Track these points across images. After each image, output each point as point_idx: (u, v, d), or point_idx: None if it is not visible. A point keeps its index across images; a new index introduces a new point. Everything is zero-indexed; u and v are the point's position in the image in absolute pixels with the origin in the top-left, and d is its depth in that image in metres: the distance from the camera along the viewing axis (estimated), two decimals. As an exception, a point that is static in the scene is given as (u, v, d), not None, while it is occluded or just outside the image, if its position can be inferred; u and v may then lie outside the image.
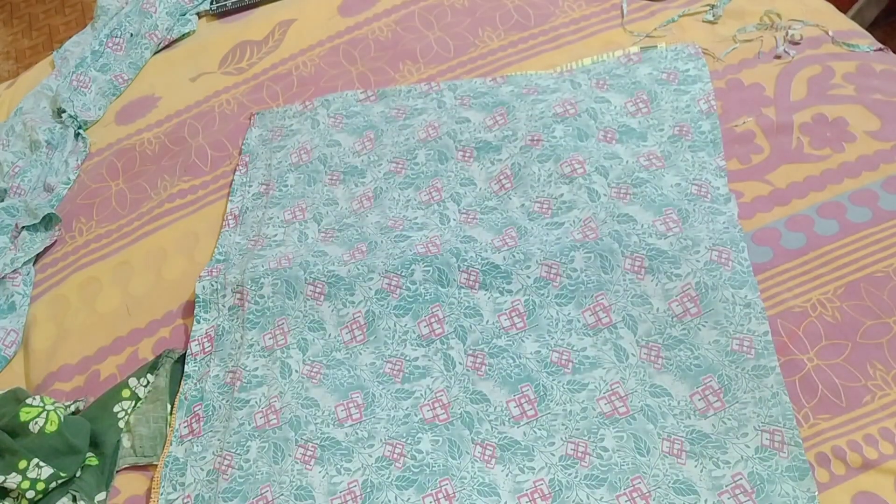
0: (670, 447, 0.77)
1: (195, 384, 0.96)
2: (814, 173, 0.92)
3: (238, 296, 1.00)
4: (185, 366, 0.98)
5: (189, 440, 0.92)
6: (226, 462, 0.87)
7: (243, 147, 1.20)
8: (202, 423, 0.92)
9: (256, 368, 0.93)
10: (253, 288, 0.98)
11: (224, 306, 1.00)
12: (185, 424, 0.93)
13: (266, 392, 0.91)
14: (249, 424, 0.89)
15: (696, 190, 0.93)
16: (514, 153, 1.02)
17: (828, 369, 0.78)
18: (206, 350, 0.98)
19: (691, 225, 0.90)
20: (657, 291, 0.87)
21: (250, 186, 1.15)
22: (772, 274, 0.86)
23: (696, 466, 0.75)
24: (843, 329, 0.80)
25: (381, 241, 0.99)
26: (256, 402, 0.90)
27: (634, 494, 0.75)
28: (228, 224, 1.11)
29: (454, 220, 0.99)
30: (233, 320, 0.99)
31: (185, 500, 0.87)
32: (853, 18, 1.16)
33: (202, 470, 0.88)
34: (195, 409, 0.94)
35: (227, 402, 0.93)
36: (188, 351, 0.99)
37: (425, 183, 1.05)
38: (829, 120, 0.95)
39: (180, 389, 0.96)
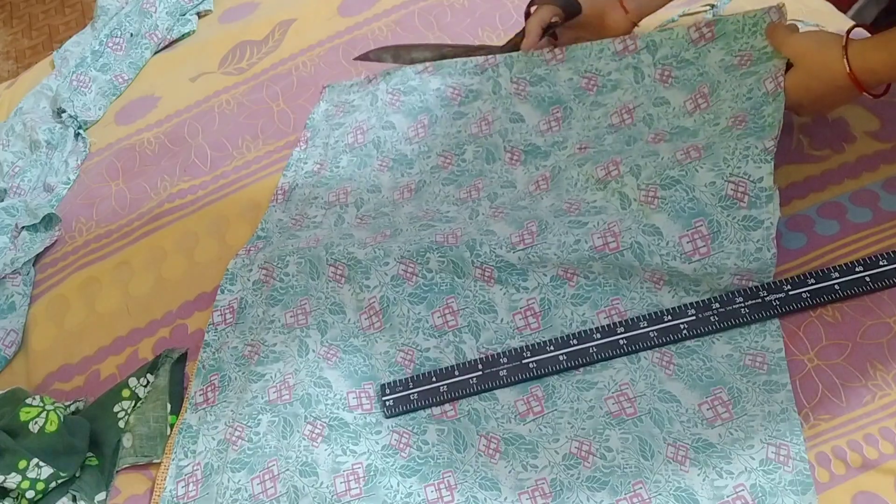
0: (675, 453, 0.77)
1: (213, 353, 0.97)
2: (814, 173, 0.92)
3: (264, 272, 1.00)
4: (206, 334, 0.98)
5: (203, 409, 0.92)
6: (236, 433, 0.87)
7: (307, 122, 1.20)
8: (217, 393, 0.93)
9: (275, 344, 0.93)
10: (279, 265, 0.98)
11: (249, 280, 1.01)
12: (201, 392, 0.93)
13: (282, 368, 0.90)
14: (262, 398, 0.89)
15: (733, 191, 0.84)
16: (560, 160, 1.00)
17: (828, 369, 0.78)
18: (228, 321, 0.99)
19: (720, 244, 0.84)
20: (674, 304, 0.85)
21: (305, 163, 1.15)
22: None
23: (698, 475, 0.75)
24: (843, 329, 0.80)
25: (406, 229, 0.97)
26: (271, 377, 0.90)
27: (635, 500, 0.74)
28: (277, 199, 1.12)
29: (483, 215, 0.98)
30: (257, 294, 0.99)
31: (195, 468, 0.87)
32: (853, 18, 1.16)
33: (213, 439, 0.89)
34: (212, 378, 0.94)
35: (243, 374, 0.93)
36: (210, 320, 0.99)
37: (467, 182, 1.03)
38: (828, 120, 0.95)
39: (199, 357, 0.97)
